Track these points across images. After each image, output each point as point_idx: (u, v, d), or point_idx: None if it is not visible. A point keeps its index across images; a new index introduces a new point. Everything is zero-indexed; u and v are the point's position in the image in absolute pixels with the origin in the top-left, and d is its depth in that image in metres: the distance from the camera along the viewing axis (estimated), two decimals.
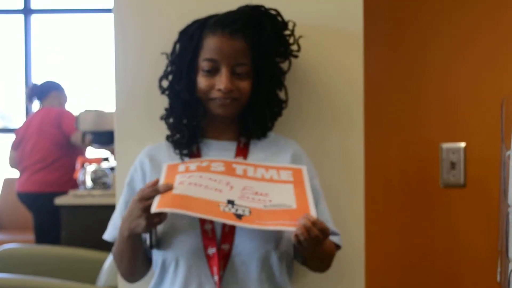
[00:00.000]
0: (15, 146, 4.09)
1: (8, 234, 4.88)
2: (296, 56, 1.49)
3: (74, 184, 3.86)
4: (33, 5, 5.66)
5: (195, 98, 1.38)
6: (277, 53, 1.44)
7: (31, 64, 5.60)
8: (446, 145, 2.08)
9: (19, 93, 5.64)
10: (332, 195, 1.50)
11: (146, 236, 1.30)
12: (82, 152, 4.03)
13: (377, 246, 1.98)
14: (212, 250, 1.29)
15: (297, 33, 1.48)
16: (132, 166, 1.44)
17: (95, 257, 2.83)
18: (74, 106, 4.58)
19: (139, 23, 1.60)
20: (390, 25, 2.12)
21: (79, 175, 3.75)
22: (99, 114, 3.57)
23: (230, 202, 1.22)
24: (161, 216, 1.23)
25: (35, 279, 2.38)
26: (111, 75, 1.61)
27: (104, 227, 1.43)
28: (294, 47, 1.48)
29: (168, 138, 1.44)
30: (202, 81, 1.36)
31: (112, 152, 3.79)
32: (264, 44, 1.38)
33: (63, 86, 4.20)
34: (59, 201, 3.52)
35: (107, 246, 1.46)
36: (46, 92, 4.12)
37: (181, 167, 1.31)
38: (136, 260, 1.36)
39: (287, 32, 1.46)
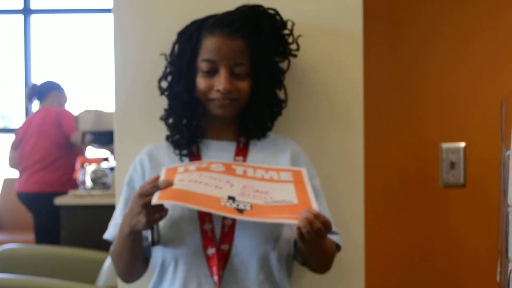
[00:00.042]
0: (15, 146, 4.09)
1: (8, 234, 4.88)
2: (295, 56, 1.49)
3: (74, 184, 3.86)
4: (33, 5, 5.66)
5: (194, 98, 1.37)
6: (276, 53, 1.44)
7: (30, 64, 5.60)
8: (446, 145, 2.08)
9: (19, 93, 5.64)
10: (332, 195, 1.50)
11: (148, 234, 1.30)
12: (82, 152, 4.03)
13: (377, 246, 1.98)
14: (211, 250, 1.29)
15: (296, 33, 1.48)
16: (131, 166, 1.44)
17: (95, 257, 2.83)
18: (74, 106, 4.58)
19: (138, 23, 1.60)
20: (390, 25, 2.12)
21: (79, 175, 3.74)
22: (99, 114, 3.57)
23: (231, 198, 1.21)
24: (161, 213, 1.22)
25: (35, 279, 2.38)
26: (111, 75, 1.61)
27: (104, 227, 1.43)
28: (293, 46, 1.48)
29: (167, 138, 1.44)
30: (201, 82, 1.35)
31: (112, 152, 3.79)
32: (263, 43, 1.37)
33: (62, 86, 4.20)
34: (59, 201, 3.52)
35: (107, 246, 1.45)
36: (46, 92, 4.12)
37: (180, 169, 1.30)
38: (135, 259, 1.35)
39: (286, 32, 1.46)
